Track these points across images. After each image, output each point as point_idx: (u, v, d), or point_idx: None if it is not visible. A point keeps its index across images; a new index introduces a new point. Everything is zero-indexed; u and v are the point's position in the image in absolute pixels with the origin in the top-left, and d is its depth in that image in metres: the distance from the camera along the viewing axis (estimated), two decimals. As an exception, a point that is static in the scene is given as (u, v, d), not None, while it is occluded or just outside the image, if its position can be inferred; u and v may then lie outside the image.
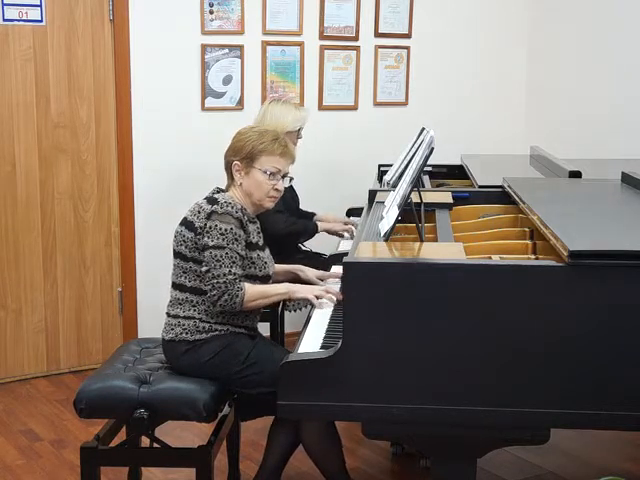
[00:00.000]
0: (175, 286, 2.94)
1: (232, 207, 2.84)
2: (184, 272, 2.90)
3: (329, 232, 4.33)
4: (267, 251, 3.05)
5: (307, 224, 4.26)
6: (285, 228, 4.09)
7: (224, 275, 2.80)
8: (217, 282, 2.80)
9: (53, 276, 4.49)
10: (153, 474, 3.40)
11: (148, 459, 2.97)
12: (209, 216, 2.83)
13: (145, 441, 2.98)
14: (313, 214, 4.44)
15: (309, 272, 3.17)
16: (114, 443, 2.93)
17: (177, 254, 2.92)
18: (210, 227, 2.82)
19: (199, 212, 2.87)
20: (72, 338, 4.58)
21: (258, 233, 2.99)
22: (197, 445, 2.80)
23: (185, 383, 2.80)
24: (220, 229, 2.81)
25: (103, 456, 2.80)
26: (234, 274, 2.82)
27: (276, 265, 3.22)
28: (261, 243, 2.99)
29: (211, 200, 2.88)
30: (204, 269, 2.82)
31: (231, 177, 2.99)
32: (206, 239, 2.82)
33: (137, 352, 3.12)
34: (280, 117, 4.07)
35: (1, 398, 4.24)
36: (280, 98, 4.43)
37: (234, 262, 2.83)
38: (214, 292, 2.81)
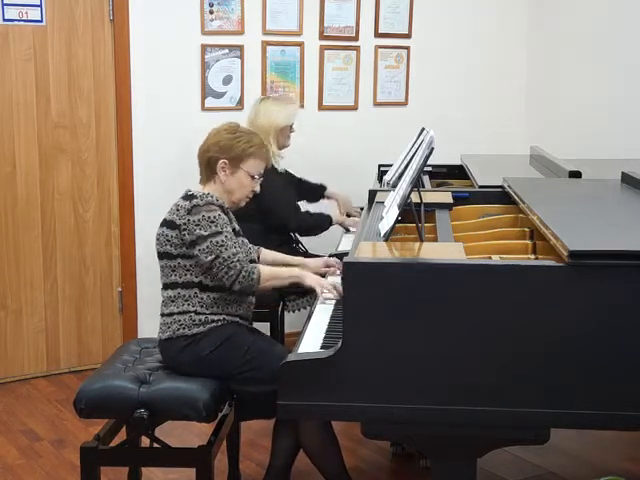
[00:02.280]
0: (166, 286, 2.94)
1: (212, 197, 2.90)
2: (173, 270, 2.91)
3: (343, 225, 4.38)
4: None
5: (321, 219, 4.28)
6: (299, 225, 4.16)
7: (234, 255, 2.84)
8: (231, 262, 2.83)
9: (53, 276, 4.49)
10: (153, 474, 3.40)
11: (148, 459, 2.97)
12: (190, 211, 2.85)
13: (145, 441, 2.98)
14: (323, 188, 4.48)
15: (311, 265, 3.20)
16: (114, 443, 2.93)
17: (163, 255, 2.92)
18: (199, 220, 2.84)
19: (178, 210, 2.90)
20: (72, 338, 4.58)
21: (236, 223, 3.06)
22: (197, 445, 2.80)
23: (185, 383, 2.80)
24: (209, 218, 2.85)
25: (103, 456, 2.80)
26: (240, 252, 2.88)
27: (279, 255, 3.29)
28: (241, 231, 3.05)
29: (187, 197, 2.92)
30: (210, 258, 2.83)
31: (211, 172, 3.00)
32: (198, 231, 2.83)
33: (137, 352, 3.12)
34: (273, 114, 4.15)
35: (1, 398, 4.25)
36: (269, 96, 4.46)
37: (235, 242, 2.89)
38: (231, 272, 2.83)
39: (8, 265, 4.38)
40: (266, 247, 3.30)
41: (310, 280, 2.97)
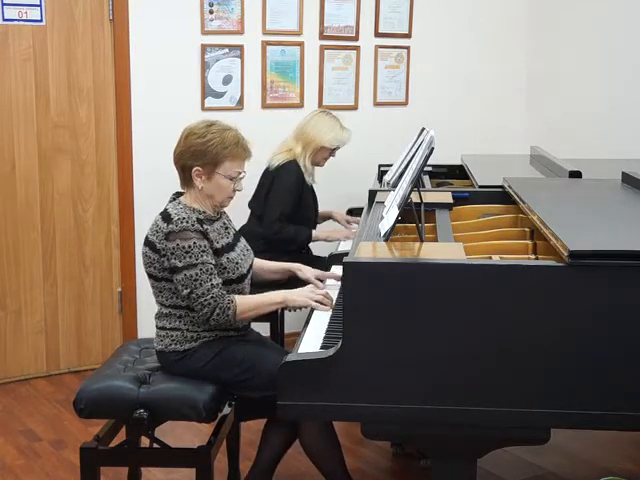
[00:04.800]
0: (157, 301, 2.92)
1: (187, 221, 2.76)
2: (160, 291, 2.87)
3: (327, 240, 4.33)
4: (240, 244, 2.99)
5: (298, 233, 4.20)
6: (275, 235, 4.11)
7: (208, 291, 2.76)
8: (205, 300, 2.76)
9: (53, 276, 4.48)
10: (153, 474, 3.40)
11: (148, 459, 2.97)
12: (167, 237, 2.76)
13: (145, 441, 2.98)
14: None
15: (308, 272, 3.12)
16: (114, 443, 2.93)
17: (149, 275, 2.88)
18: (173, 248, 2.75)
19: (157, 232, 2.80)
20: (72, 338, 4.58)
21: (226, 229, 2.95)
22: (197, 445, 2.79)
23: (185, 383, 2.80)
24: (183, 247, 2.75)
25: (103, 456, 2.80)
26: (217, 285, 2.78)
27: (273, 263, 3.21)
28: (230, 241, 2.93)
29: (166, 217, 2.80)
30: (185, 292, 2.77)
31: (188, 179, 2.89)
32: (174, 261, 2.76)
33: (137, 352, 3.12)
34: (322, 130, 4.18)
35: (1, 398, 4.24)
36: (331, 112, 4.38)
37: (211, 274, 2.78)
38: (205, 310, 2.76)
39: (8, 265, 4.37)
40: (271, 252, 3.25)
41: (299, 301, 2.87)
